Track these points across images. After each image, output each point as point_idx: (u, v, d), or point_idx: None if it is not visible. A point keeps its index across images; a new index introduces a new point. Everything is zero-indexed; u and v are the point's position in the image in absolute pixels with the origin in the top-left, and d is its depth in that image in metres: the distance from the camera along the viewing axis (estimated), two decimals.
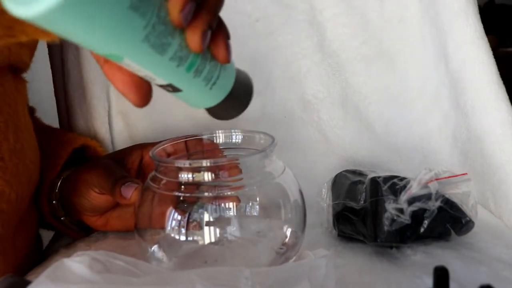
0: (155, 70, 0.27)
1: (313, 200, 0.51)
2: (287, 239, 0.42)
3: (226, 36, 0.29)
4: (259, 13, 0.68)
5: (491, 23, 1.53)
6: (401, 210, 0.44)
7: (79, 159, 0.56)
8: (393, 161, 0.66)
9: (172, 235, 0.40)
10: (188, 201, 0.41)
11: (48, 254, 0.53)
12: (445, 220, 0.45)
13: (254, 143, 0.46)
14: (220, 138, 0.49)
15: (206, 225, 0.40)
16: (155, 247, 0.41)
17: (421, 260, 0.44)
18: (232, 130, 0.49)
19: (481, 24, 0.57)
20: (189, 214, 0.40)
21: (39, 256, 0.54)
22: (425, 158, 0.64)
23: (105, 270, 0.32)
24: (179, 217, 0.40)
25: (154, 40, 0.25)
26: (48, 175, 0.51)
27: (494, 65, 0.56)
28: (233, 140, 0.49)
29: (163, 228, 0.41)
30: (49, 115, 0.67)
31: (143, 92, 0.28)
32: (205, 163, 0.38)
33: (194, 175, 0.39)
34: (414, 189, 0.45)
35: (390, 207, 0.44)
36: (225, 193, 0.40)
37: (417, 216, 0.44)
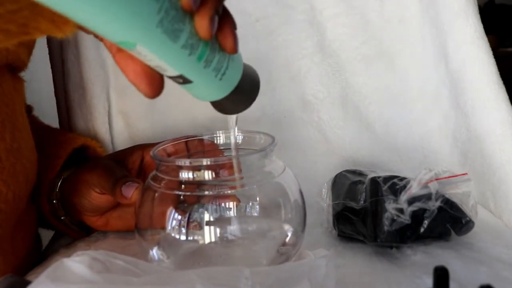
0: (167, 59, 0.27)
1: (313, 200, 0.51)
2: (287, 239, 0.42)
3: (233, 26, 0.29)
4: (259, 13, 0.68)
5: (491, 23, 1.53)
6: (401, 210, 0.44)
7: (79, 159, 0.56)
8: (393, 161, 0.66)
9: (173, 234, 0.40)
10: (189, 201, 0.41)
11: (48, 254, 0.53)
12: (445, 220, 0.45)
13: (255, 143, 0.46)
14: (220, 138, 0.49)
15: (206, 224, 0.40)
16: (155, 247, 0.41)
17: (421, 260, 0.44)
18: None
19: (481, 24, 0.57)
20: (190, 214, 0.40)
21: (38, 256, 0.54)
22: (425, 158, 0.64)
23: (105, 270, 0.32)
24: (179, 217, 0.40)
25: (167, 26, 0.25)
26: (48, 175, 0.51)
27: (494, 65, 0.56)
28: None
29: (163, 227, 0.41)
30: (49, 115, 0.67)
31: (155, 83, 0.28)
32: (206, 161, 0.38)
33: (194, 174, 0.39)
34: (414, 189, 0.45)
35: (390, 207, 0.44)
36: (225, 192, 0.40)
37: (417, 216, 0.44)
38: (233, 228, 0.41)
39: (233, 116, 0.39)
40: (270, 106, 0.70)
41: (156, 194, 0.41)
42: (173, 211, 0.40)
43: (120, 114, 0.70)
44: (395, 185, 0.46)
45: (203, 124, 0.68)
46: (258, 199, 0.42)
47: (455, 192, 0.46)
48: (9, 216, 0.43)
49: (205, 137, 0.49)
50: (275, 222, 0.43)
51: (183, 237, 0.40)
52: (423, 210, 0.44)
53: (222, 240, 0.41)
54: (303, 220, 0.43)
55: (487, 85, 0.55)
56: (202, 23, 0.27)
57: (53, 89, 0.71)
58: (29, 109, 0.59)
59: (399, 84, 0.66)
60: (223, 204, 0.40)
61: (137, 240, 0.42)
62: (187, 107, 0.69)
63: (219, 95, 0.33)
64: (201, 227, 0.40)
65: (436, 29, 0.61)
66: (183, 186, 0.40)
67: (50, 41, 0.68)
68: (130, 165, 0.52)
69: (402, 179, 0.47)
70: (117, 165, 0.51)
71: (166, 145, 0.46)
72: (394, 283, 0.40)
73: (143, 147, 0.53)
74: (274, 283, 0.32)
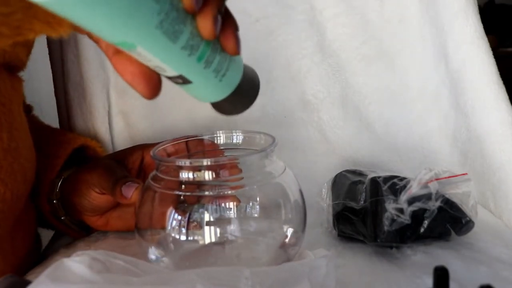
0: (166, 60, 0.27)
1: (313, 200, 0.51)
2: (287, 239, 0.42)
3: (235, 27, 0.29)
4: (259, 13, 0.68)
5: (491, 23, 1.53)
6: (401, 210, 0.44)
7: (79, 159, 0.56)
8: (393, 161, 0.66)
9: (173, 234, 0.40)
10: (189, 201, 0.41)
11: (48, 254, 0.53)
12: (445, 220, 0.45)
13: (255, 144, 0.46)
14: (220, 138, 0.49)
15: (206, 225, 0.40)
16: (155, 247, 0.41)
17: (421, 260, 0.44)
18: (233, 131, 0.49)
19: (481, 24, 0.57)
20: (190, 214, 0.40)
21: (38, 256, 0.54)
22: (425, 158, 0.64)
23: (105, 269, 0.32)
24: (179, 217, 0.40)
25: (168, 27, 0.25)
26: (48, 175, 0.51)
27: (494, 65, 0.56)
28: (234, 141, 0.49)
29: (163, 227, 0.41)
30: (49, 115, 0.67)
31: (152, 84, 0.28)
32: (206, 162, 0.38)
33: (194, 174, 0.39)
34: (414, 189, 0.45)
35: (390, 207, 0.44)
36: (226, 192, 0.40)
37: (417, 216, 0.44)
38: (233, 228, 0.41)
39: None
40: (270, 106, 0.70)
41: (156, 194, 0.41)
42: (173, 211, 0.40)
43: (120, 114, 0.70)
44: (395, 185, 0.46)
45: (203, 124, 0.68)
46: (258, 199, 0.42)
47: (455, 192, 0.46)
48: (7, 215, 0.43)
49: (205, 137, 0.49)
50: (275, 222, 0.43)
51: (183, 237, 0.40)
52: (423, 210, 0.44)
53: (222, 240, 0.41)
54: (303, 220, 0.43)
55: (487, 85, 0.55)
56: (206, 24, 0.26)
57: (53, 89, 0.71)
58: (28, 108, 0.59)
59: (399, 84, 0.66)
60: (223, 204, 0.40)
61: (137, 240, 0.42)
62: (187, 107, 0.69)
63: (219, 96, 0.33)
64: (201, 227, 0.40)
65: (436, 29, 0.61)
66: (183, 186, 0.40)
67: (50, 41, 0.68)
68: (130, 165, 0.52)
69: (402, 179, 0.47)
70: (117, 165, 0.51)
71: (166, 145, 0.46)
72: (394, 283, 0.40)
73: (143, 147, 0.53)
74: (274, 283, 0.32)
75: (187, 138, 0.48)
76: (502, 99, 0.54)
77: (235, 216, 0.40)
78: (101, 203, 0.50)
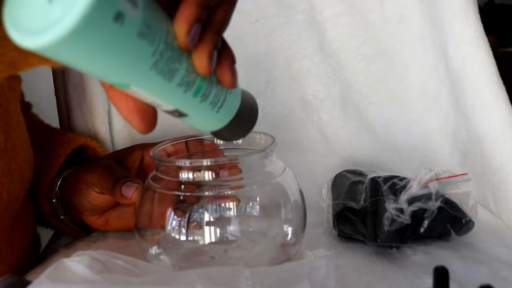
0: (162, 97, 0.27)
1: (313, 200, 0.51)
2: (287, 239, 0.42)
3: (232, 60, 0.29)
4: (259, 13, 0.68)
5: (491, 23, 1.53)
6: (401, 210, 0.44)
7: (79, 159, 0.56)
8: (393, 161, 0.66)
9: (173, 235, 0.40)
10: (189, 201, 0.41)
11: (47, 254, 0.53)
12: (445, 220, 0.45)
13: (255, 144, 0.46)
14: None
15: (206, 225, 0.40)
16: (155, 247, 0.41)
17: (421, 260, 0.44)
18: None
19: (481, 24, 0.57)
20: (190, 214, 0.40)
21: (37, 255, 0.54)
22: (425, 158, 0.64)
23: (105, 269, 0.32)
24: (179, 217, 0.40)
25: (162, 67, 0.24)
26: (47, 174, 0.51)
27: (494, 65, 0.56)
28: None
29: (163, 227, 0.41)
30: (49, 115, 0.67)
31: (147, 118, 0.28)
32: (206, 162, 0.39)
33: (194, 174, 0.39)
34: (414, 189, 0.45)
35: (390, 207, 0.44)
36: (225, 193, 0.40)
37: (417, 216, 0.44)
38: (233, 229, 0.41)
39: None
40: (270, 106, 0.70)
41: (156, 194, 0.41)
42: (173, 211, 0.40)
43: (120, 114, 0.70)
44: (395, 185, 0.46)
45: None
46: (258, 199, 0.42)
47: (455, 192, 0.46)
48: (4, 215, 0.43)
49: (205, 137, 0.49)
50: (275, 222, 0.43)
51: (183, 237, 0.40)
52: (423, 210, 0.44)
53: (222, 240, 0.41)
54: (303, 220, 0.43)
55: (487, 85, 0.55)
56: (201, 61, 0.26)
57: (53, 89, 0.71)
58: (27, 106, 0.59)
59: (399, 84, 0.66)
60: (223, 205, 0.40)
61: (137, 240, 0.42)
62: None
63: (217, 126, 0.32)
64: (201, 227, 0.40)
65: (436, 29, 0.61)
66: (183, 186, 0.40)
67: None
68: (130, 165, 0.52)
69: (402, 179, 0.47)
70: (117, 165, 0.51)
71: (166, 145, 0.46)
72: (394, 283, 0.40)
73: (143, 147, 0.53)
74: (274, 283, 0.32)
75: (187, 138, 0.48)
76: (502, 99, 0.54)
77: (235, 216, 0.40)
78: (101, 202, 0.50)
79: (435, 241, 0.47)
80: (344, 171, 0.53)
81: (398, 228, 0.44)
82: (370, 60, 0.67)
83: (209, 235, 0.40)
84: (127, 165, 0.52)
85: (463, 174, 0.47)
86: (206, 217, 0.40)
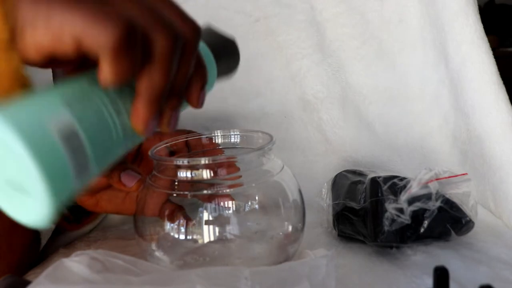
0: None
1: (313, 200, 0.51)
2: (286, 237, 0.42)
3: (202, 84, 0.30)
4: (259, 13, 0.68)
5: (491, 23, 1.53)
6: (401, 210, 0.44)
7: None
8: (393, 161, 0.66)
9: (172, 234, 0.40)
10: (187, 200, 0.41)
11: (47, 253, 0.53)
12: (445, 220, 0.45)
13: (253, 143, 0.46)
14: (219, 138, 0.49)
15: (205, 224, 0.40)
16: (154, 246, 0.41)
17: (421, 260, 0.44)
18: (231, 130, 0.49)
19: (481, 24, 0.57)
20: (189, 214, 0.40)
21: (37, 254, 0.53)
22: (425, 158, 0.64)
23: (105, 269, 0.32)
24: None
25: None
26: None
27: (494, 65, 0.56)
28: (232, 140, 0.49)
29: (162, 227, 0.41)
30: None
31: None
32: (204, 161, 0.39)
33: (192, 173, 0.39)
34: (414, 189, 0.45)
35: (390, 207, 0.44)
36: (224, 191, 0.40)
37: (417, 216, 0.44)
38: (232, 227, 0.41)
39: None
40: (270, 106, 0.70)
41: (155, 194, 0.41)
42: (172, 210, 0.40)
43: None
44: (395, 185, 0.46)
45: (203, 124, 0.68)
46: (256, 197, 0.42)
47: (455, 192, 0.46)
48: (2, 214, 0.43)
49: (204, 137, 0.49)
50: (274, 220, 0.43)
51: (182, 237, 0.40)
52: (423, 210, 0.44)
53: (221, 239, 0.41)
54: (302, 218, 0.43)
55: (487, 85, 0.55)
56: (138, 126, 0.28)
57: None
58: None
59: (399, 84, 0.66)
60: (222, 203, 0.40)
61: (137, 240, 0.42)
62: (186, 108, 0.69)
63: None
64: (200, 226, 0.40)
65: (436, 29, 0.61)
66: (181, 185, 0.40)
67: None
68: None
69: (402, 179, 0.46)
70: None
71: (161, 145, 0.46)
72: (394, 283, 0.40)
73: None
74: (274, 283, 0.32)
75: (187, 137, 0.48)
76: (502, 99, 0.54)
77: (234, 214, 0.40)
78: (93, 183, 0.49)
79: (435, 241, 0.47)
80: (344, 171, 0.53)
81: (398, 228, 0.44)
82: (370, 60, 0.67)
83: (208, 234, 0.40)
84: None
85: (463, 174, 0.47)
86: (205, 216, 0.40)
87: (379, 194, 0.45)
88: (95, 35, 0.24)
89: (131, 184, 0.45)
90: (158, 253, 0.41)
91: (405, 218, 0.43)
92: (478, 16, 0.57)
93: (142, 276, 0.33)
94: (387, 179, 0.46)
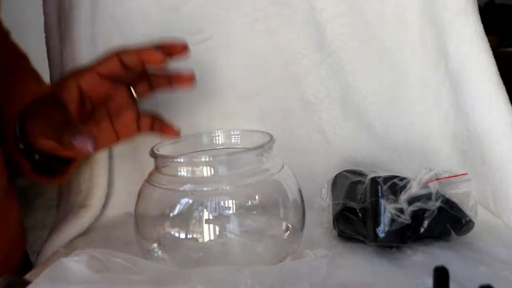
0: None
1: (313, 200, 0.51)
2: (286, 236, 0.42)
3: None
4: (259, 13, 0.67)
5: (491, 23, 1.53)
6: (401, 210, 0.44)
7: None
8: (393, 161, 0.66)
9: (172, 233, 0.40)
10: (187, 198, 0.41)
11: (46, 254, 0.53)
12: (445, 220, 0.45)
13: (253, 143, 0.46)
14: (219, 138, 0.49)
15: (205, 222, 0.40)
16: (154, 246, 0.41)
17: (421, 260, 0.44)
18: (231, 130, 0.49)
19: (481, 24, 0.57)
20: (189, 212, 0.40)
21: (23, 243, 0.53)
22: (425, 158, 0.64)
23: (104, 268, 0.32)
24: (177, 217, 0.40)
25: None
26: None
27: (494, 65, 0.56)
28: (232, 140, 0.49)
29: (162, 226, 0.41)
30: None
31: None
32: (204, 158, 0.39)
33: (193, 171, 0.39)
34: (414, 189, 0.45)
35: (390, 207, 0.44)
36: (224, 189, 0.40)
37: (417, 216, 0.44)
38: (232, 226, 0.41)
39: None
40: (270, 106, 0.70)
41: (154, 192, 0.41)
42: (172, 209, 0.40)
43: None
44: (395, 185, 0.46)
45: (202, 124, 0.68)
46: (256, 196, 0.42)
47: (455, 192, 0.46)
48: None
49: (204, 137, 0.49)
50: (273, 219, 0.43)
51: (182, 235, 0.40)
52: (423, 210, 0.44)
53: (221, 238, 0.41)
54: (302, 217, 0.43)
55: (487, 85, 0.55)
56: None
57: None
58: (6, 34, 0.58)
59: (399, 84, 0.66)
60: (222, 202, 0.40)
61: (137, 239, 0.42)
62: (186, 108, 0.69)
63: None
64: (200, 225, 0.40)
65: (436, 29, 0.61)
66: (181, 183, 0.40)
67: (49, 40, 0.68)
68: (68, 97, 0.48)
69: (402, 179, 0.46)
70: (52, 106, 0.47)
71: (165, 145, 0.46)
72: (394, 283, 0.40)
73: (76, 76, 0.49)
74: (274, 283, 0.32)
75: (186, 137, 0.48)
76: (502, 99, 0.54)
77: (234, 213, 0.40)
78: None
79: (435, 241, 0.47)
80: (344, 171, 0.53)
81: (398, 228, 0.44)
82: (370, 60, 0.66)
83: (208, 233, 0.40)
84: (65, 98, 0.48)
85: (463, 174, 0.47)
86: (205, 215, 0.40)
87: (379, 194, 0.45)
88: None
89: (88, 148, 0.42)
90: (158, 252, 0.41)
91: (405, 218, 0.43)
92: (478, 16, 0.57)
93: (142, 275, 0.33)
94: (387, 179, 0.46)
